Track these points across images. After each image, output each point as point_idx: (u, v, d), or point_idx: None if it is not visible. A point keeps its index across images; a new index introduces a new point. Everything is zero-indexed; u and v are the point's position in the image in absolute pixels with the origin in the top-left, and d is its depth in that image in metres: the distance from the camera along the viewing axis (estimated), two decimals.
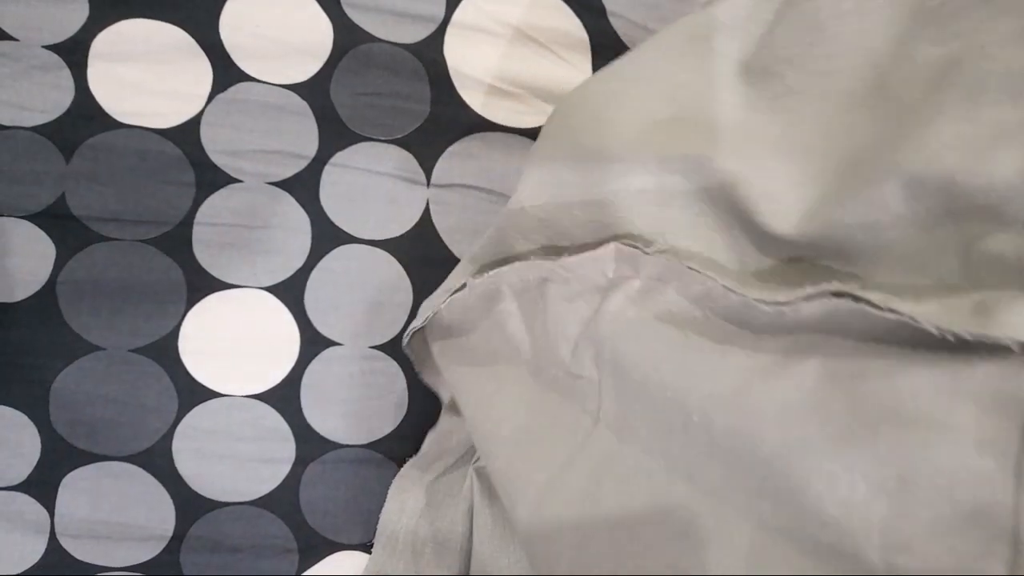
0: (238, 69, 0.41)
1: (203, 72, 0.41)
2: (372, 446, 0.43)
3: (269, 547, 0.42)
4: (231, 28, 0.41)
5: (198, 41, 0.41)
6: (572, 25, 0.47)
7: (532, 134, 0.46)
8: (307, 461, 0.42)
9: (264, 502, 0.42)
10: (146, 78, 0.40)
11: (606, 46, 0.47)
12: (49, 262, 0.39)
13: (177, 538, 0.41)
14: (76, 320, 0.39)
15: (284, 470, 0.42)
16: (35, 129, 0.39)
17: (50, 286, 0.39)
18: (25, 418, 0.39)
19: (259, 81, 0.42)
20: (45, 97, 0.39)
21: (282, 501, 0.42)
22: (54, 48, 0.39)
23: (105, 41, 0.40)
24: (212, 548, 0.41)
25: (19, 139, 0.39)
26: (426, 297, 0.43)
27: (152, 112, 0.40)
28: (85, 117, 0.39)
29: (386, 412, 0.43)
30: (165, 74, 0.40)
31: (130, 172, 0.40)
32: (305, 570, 0.42)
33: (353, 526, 0.43)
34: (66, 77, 0.39)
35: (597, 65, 0.47)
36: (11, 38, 0.39)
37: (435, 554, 0.40)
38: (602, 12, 0.47)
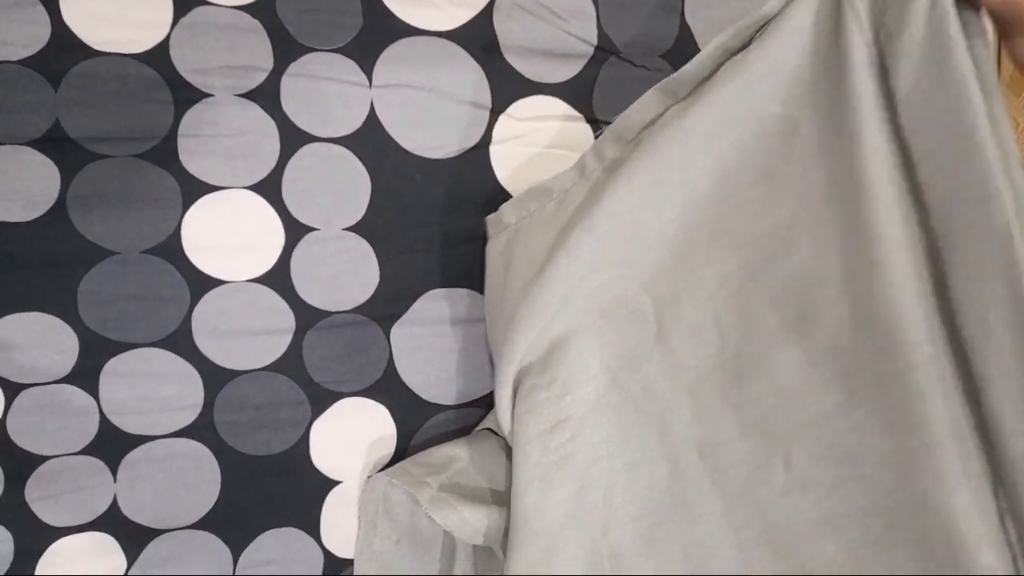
0: None
1: (163, 0, 0.49)
2: (357, 310, 0.55)
3: (285, 402, 0.53)
4: None
5: None
6: None
7: (448, 35, 0.57)
8: (305, 329, 0.53)
9: (275, 366, 0.53)
10: (113, 9, 0.48)
11: None
12: (55, 183, 0.47)
13: (208, 404, 0.51)
14: (89, 230, 0.48)
15: (287, 339, 0.53)
16: (21, 62, 0.46)
17: (60, 203, 0.47)
18: (59, 321, 0.48)
19: (213, 4, 0.50)
20: (25, 33, 0.46)
21: (290, 364, 0.53)
22: None
23: None
24: (239, 408, 0.52)
25: (8, 72, 0.46)
26: (384, 182, 0.54)
27: (124, 40, 0.48)
28: (65, 48, 0.47)
29: (363, 281, 0.55)
30: (130, 4, 0.48)
31: (115, 95, 0.48)
32: (317, 416, 0.54)
33: (350, 378, 0.55)
34: (41, 12, 0.46)
35: None
36: None
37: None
38: None
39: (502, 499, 0.51)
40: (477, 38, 0.57)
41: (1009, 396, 0.32)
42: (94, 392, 0.49)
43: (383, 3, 0.55)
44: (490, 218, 0.55)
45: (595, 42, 0.60)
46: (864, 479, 0.37)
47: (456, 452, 0.55)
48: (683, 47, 0.63)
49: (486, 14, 0.58)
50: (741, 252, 0.43)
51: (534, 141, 0.59)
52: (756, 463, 0.42)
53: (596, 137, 0.61)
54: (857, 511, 0.38)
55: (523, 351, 0.48)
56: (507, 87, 0.58)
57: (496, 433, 0.56)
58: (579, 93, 0.60)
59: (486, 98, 0.57)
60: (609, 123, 0.61)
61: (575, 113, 0.60)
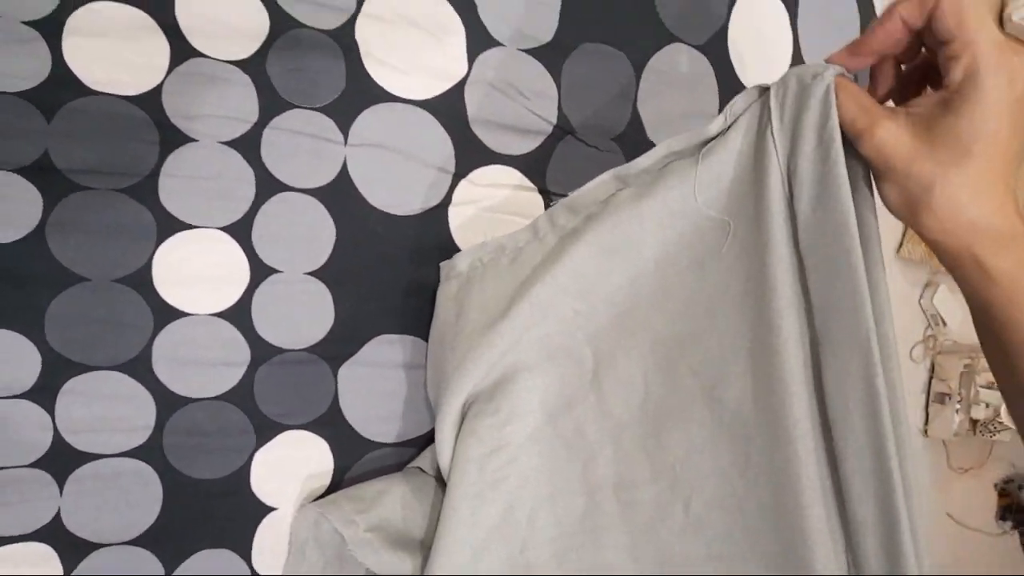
0: (191, 46, 0.53)
1: (162, 48, 0.52)
2: (310, 349, 0.59)
3: (232, 430, 0.57)
4: (185, 12, 0.53)
5: (157, 22, 0.52)
6: (447, 13, 0.63)
7: (422, 104, 0.62)
8: (259, 363, 0.57)
9: (226, 396, 0.56)
10: (113, 52, 0.51)
11: (476, 33, 0.64)
12: (38, 208, 0.50)
13: (159, 427, 0.54)
14: (64, 256, 0.50)
15: (241, 371, 0.57)
16: (19, 94, 0.49)
17: (40, 228, 0.50)
18: (24, 339, 0.50)
19: (209, 57, 0.54)
20: (26, 66, 0.48)
21: (241, 395, 0.57)
22: (32, 24, 0.48)
23: (78, 19, 0.50)
24: (187, 432, 0.55)
25: (5, 102, 0.48)
26: (348, 233, 0.59)
27: (120, 81, 0.51)
28: (63, 84, 0.49)
29: (319, 321, 0.59)
30: (130, 50, 0.51)
31: (104, 132, 0.51)
32: (261, 445, 0.58)
33: (296, 411, 0.59)
34: (43, 48, 0.49)
35: (470, 47, 0.63)
36: None
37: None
38: (472, 6, 0.64)
39: (424, 541, 0.56)
40: (449, 109, 0.62)
41: (858, 470, 0.41)
42: (50, 409, 0.51)
43: (366, 69, 0.59)
44: (444, 264, 0.61)
45: (554, 121, 0.66)
46: (748, 527, 0.46)
47: (386, 487, 0.59)
48: (633, 132, 0.70)
49: (459, 88, 0.63)
50: (673, 324, 0.50)
51: (489, 206, 0.65)
52: (661, 505, 0.49)
53: (547, 205, 0.67)
54: (739, 554, 0.46)
55: (473, 383, 0.54)
56: (471, 155, 0.64)
57: (424, 472, 0.61)
58: (534, 166, 0.66)
59: (451, 164, 0.63)
60: (558, 194, 0.67)
61: (529, 184, 0.66)
